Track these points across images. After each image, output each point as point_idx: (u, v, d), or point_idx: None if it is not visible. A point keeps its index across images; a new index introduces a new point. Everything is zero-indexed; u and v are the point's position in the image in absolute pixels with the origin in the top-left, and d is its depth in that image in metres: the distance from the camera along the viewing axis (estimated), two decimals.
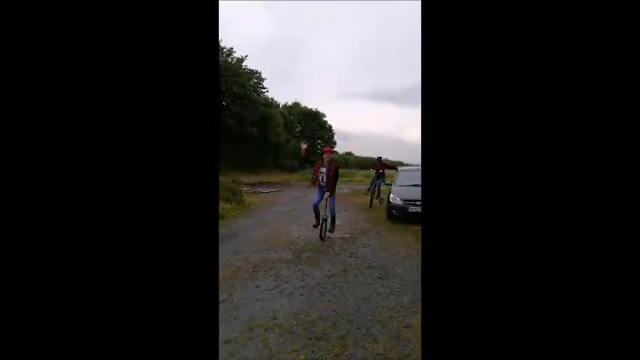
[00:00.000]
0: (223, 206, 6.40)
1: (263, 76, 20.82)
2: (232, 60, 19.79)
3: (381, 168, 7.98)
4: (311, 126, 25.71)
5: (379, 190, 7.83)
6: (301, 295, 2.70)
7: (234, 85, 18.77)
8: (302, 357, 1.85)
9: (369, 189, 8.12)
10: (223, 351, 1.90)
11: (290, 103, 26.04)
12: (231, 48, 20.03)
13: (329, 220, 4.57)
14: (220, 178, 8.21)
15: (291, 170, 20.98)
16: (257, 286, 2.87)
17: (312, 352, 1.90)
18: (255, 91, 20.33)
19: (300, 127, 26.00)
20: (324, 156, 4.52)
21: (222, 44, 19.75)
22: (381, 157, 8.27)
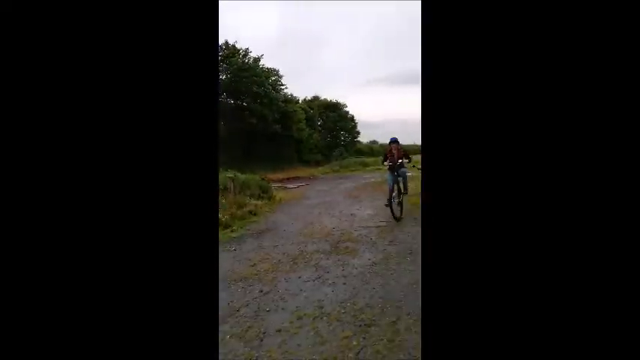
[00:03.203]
0: (256, 203, 6.55)
1: (280, 72, 20.94)
2: (249, 60, 20.05)
3: (399, 156, 4.86)
4: (332, 118, 25.41)
5: (405, 188, 5.02)
6: (344, 284, 2.69)
7: (253, 85, 19.04)
8: (354, 343, 1.85)
9: (388, 202, 4.70)
10: (276, 338, 1.94)
11: (309, 97, 25.98)
12: (247, 48, 20.26)
13: None
14: (249, 176, 8.41)
15: (317, 164, 21.05)
16: (299, 277, 2.90)
17: (364, 338, 1.88)
18: (274, 88, 20.52)
19: (321, 120, 25.90)
20: None
21: (237, 45, 20.06)
22: (396, 139, 5.02)
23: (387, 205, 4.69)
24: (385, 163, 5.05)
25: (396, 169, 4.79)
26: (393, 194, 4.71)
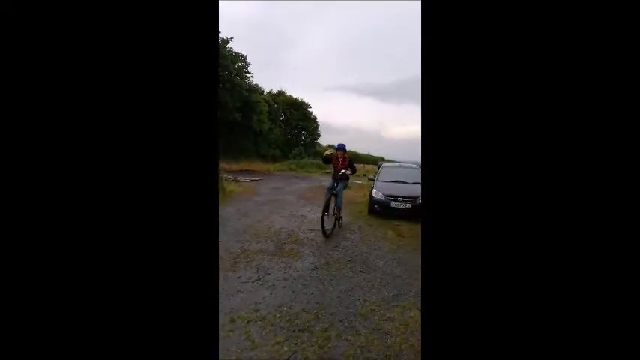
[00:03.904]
0: None
1: (248, 60, 20.19)
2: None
3: (344, 166, 4.43)
4: (295, 116, 25.27)
5: (337, 202, 4.41)
6: (284, 287, 2.69)
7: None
8: (285, 349, 1.85)
9: (325, 212, 4.14)
10: None
11: (275, 91, 25.48)
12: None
13: None
14: None
15: (273, 160, 20.70)
16: (238, 277, 2.82)
17: (295, 344, 1.90)
18: (239, 75, 19.66)
19: (283, 117, 25.57)
20: None
21: None
22: (343, 147, 4.56)
23: (322, 220, 4.11)
24: (325, 164, 4.95)
25: (336, 180, 4.42)
26: (328, 207, 4.20)
